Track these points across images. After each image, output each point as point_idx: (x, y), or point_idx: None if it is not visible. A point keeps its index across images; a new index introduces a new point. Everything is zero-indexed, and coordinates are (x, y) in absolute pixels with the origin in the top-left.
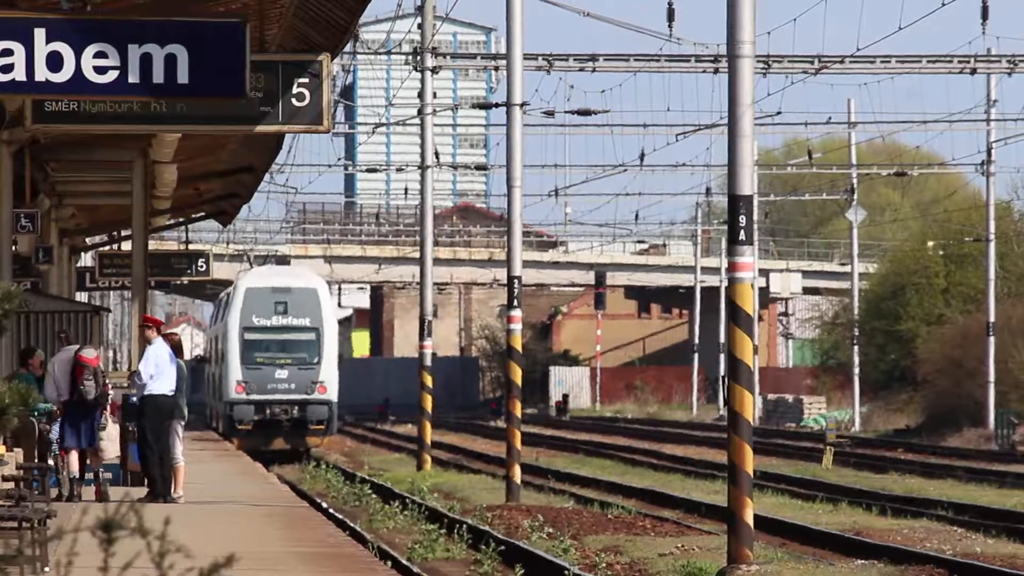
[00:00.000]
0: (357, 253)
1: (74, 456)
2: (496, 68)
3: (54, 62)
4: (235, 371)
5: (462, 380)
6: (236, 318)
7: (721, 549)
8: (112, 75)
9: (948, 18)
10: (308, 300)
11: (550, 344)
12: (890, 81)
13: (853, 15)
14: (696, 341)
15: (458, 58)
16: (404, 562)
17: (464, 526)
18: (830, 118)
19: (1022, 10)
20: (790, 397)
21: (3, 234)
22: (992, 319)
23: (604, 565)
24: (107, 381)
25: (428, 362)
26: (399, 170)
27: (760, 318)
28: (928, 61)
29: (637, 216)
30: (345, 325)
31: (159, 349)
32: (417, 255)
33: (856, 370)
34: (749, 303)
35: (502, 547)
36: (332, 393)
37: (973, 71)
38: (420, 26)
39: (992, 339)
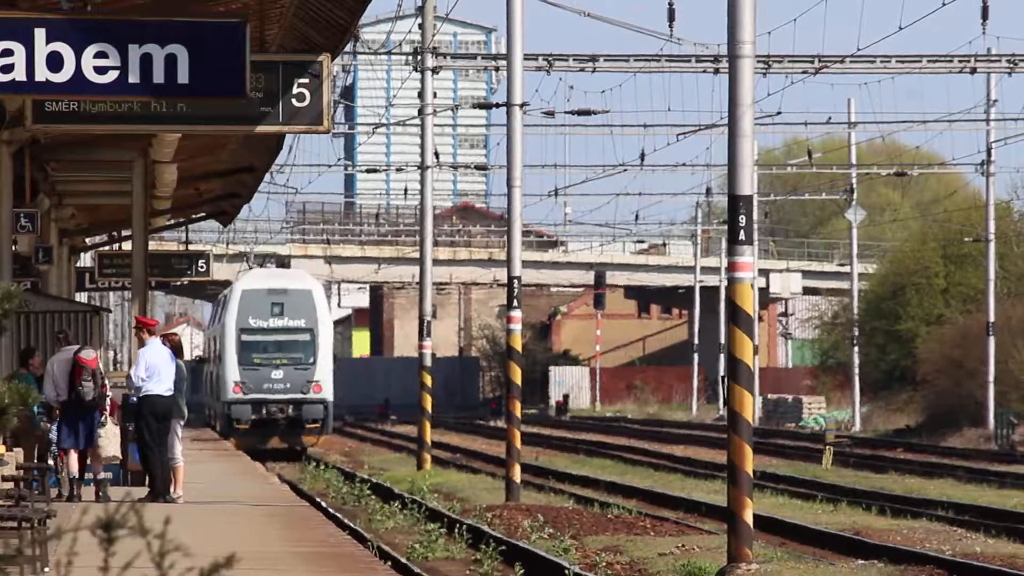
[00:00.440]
0: (357, 253)
1: (73, 456)
2: (496, 68)
3: (54, 62)
4: (232, 371)
5: (462, 380)
6: (233, 319)
7: (721, 549)
8: (112, 75)
9: (948, 18)
10: (303, 301)
11: (550, 344)
12: (890, 81)
13: (853, 15)
14: (696, 341)
15: (458, 58)
16: (404, 562)
17: (464, 526)
18: (830, 118)
19: (1022, 10)
20: (790, 397)
21: (3, 234)
22: (992, 319)
23: (604, 565)
24: (105, 382)
25: (428, 362)
26: (399, 170)
27: (760, 318)
28: (928, 61)
29: (637, 216)
30: (345, 325)
31: (153, 350)
32: (417, 255)
33: (856, 370)
34: (749, 303)
35: (502, 547)
36: (327, 392)
37: (973, 71)
38: (420, 26)
39: (992, 339)
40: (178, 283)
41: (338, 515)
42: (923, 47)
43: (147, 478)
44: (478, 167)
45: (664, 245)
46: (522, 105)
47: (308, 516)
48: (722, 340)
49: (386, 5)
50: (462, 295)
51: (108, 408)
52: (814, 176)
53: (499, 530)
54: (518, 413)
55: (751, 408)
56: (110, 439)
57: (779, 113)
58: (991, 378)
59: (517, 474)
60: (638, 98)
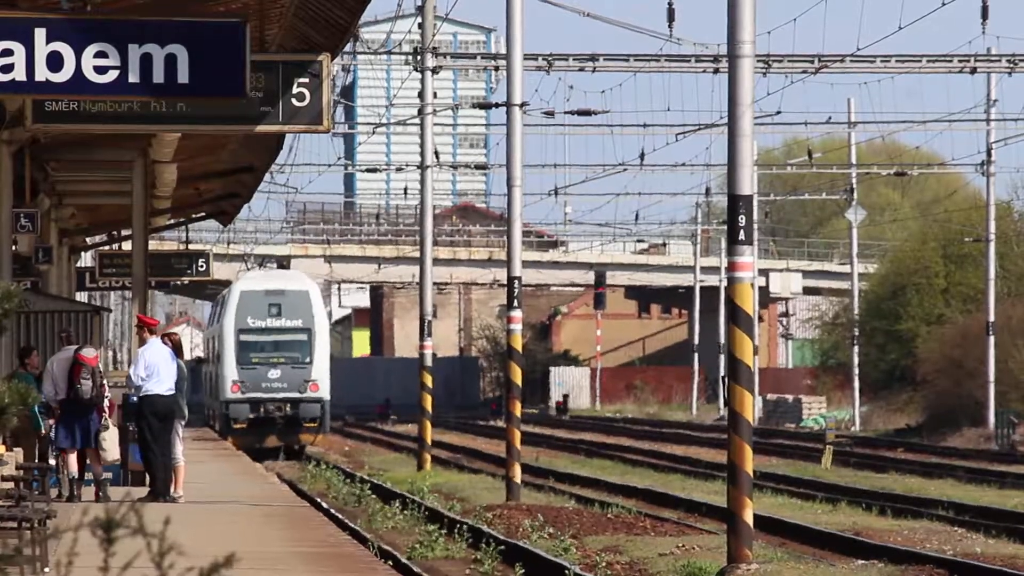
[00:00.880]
0: (357, 253)
1: (73, 456)
2: (496, 68)
3: (54, 62)
4: (231, 371)
5: (462, 380)
6: (231, 320)
7: (721, 549)
8: (112, 75)
9: (948, 18)
10: (300, 302)
11: (550, 344)
12: (890, 81)
13: (853, 15)
14: (696, 341)
15: (458, 58)
16: (404, 561)
17: (464, 526)
18: (830, 118)
19: (1022, 10)
20: (790, 397)
21: (3, 234)
22: (992, 319)
23: (604, 565)
24: (104, 381)
25: (428, 362)
26: (399, 170)
27: (760, 318)
28: (928, 61)
29: (637, 216)
30: (345, 325)
31: (153, 350)
32: (417, 255)
33: (856, 370)
34: (749, 303)
35: (502, 547)
36: (324, 391)
37: (973, 71)
38: (420, 26)
39: (992, 339)
40: (178, 283)
41: (338, 515)
42: (923, 47)
43: (147, 478)
44: (478, 167)
45: (664, 245)
46: (522, 105)
47: (308, 516)
48: (722, 340)
49: (386, 5)
50: (462, 295)
51: (108, 410)
52: (814, 176)
53: (499, 530)
54: (518, 413)
55: (751, 408)
56: (113, 442)
57: (779, 113)
58: (991, 378)
59: (517, 474)
60: (638, 98)
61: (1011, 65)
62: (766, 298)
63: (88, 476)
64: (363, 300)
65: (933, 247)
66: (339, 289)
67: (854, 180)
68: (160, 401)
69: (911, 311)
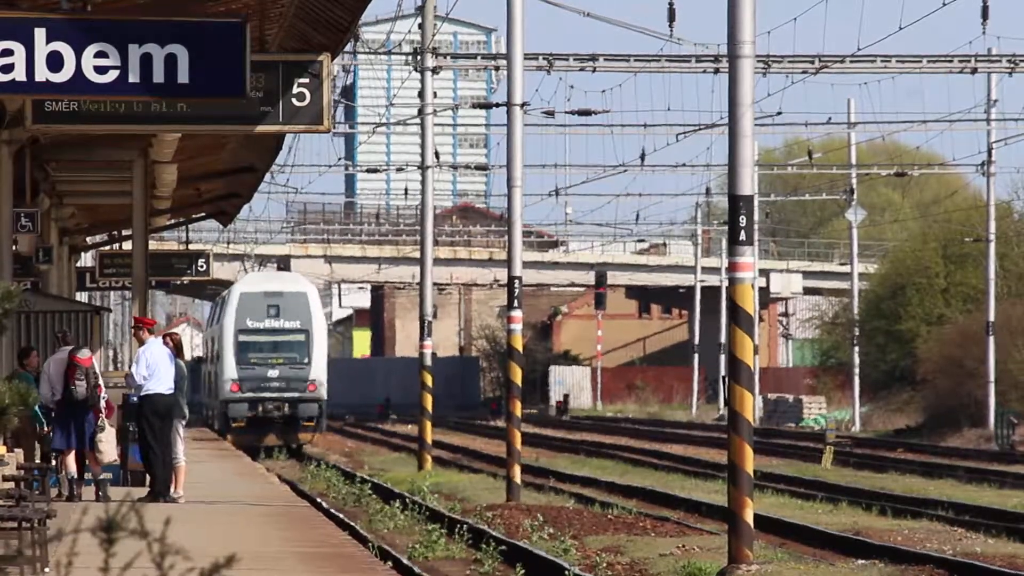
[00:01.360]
0: (357, 253)
1: (71, 457)
2: (496, 68)
3: (54, 62)
4: (230, 370)
5: (462, 380)
6: (231, 320)
7: (721, 549)
8: (112, 75)
9: (948, 18)
10: (298, 304)
11: (550, 344)
12: (890, 81)
13: (853, 15)
14: (696, 341)
15: (458, 58)
16: (405, 562)
17: (464, 526)
18: (830, 118)
19: (1022, 10)
20: (790, 397)
21: (3, 234)
22: (992, 319)
23: (604, 565)
24: (99, 382)
25: (429, 362)
26: (399, 170)
27: (760, 318)
28: (928, 61)
29: (637, 216)
30: (346, 325)
31: (153, 349)
32: (417, 255)
33: (856, 370)
34: (749, 303)
35: (502, 547)
36: (322, 391)
37: (973, 71)
38: (420, 26)
39: (992, 339)
40: (178, 283)
41: (338, 515)
42: (923, 47)
43: (147, 478)
44: (478, 167)
45: (664, 245)
46: (522, 105)
47: (308, 516)
48: (722, 340)
49: (386, 5)
50: (462, 295)
51: (106, 411)
52: (814, 176)
53: (499, 530)
54: (518, 413)
55: (751, 408)
56: (109, 444)
57: (779, 113)
58: (991, 378)
59: (517, 474)
60: (638, 98)
61: (1011, 65)
62: (766, 298)
63: (88, 476)
64: (364, 300)
65: (933, 247)
66: (339, 289)
67: (854, 180)
68: (160, 400)
69: (911, 311)
